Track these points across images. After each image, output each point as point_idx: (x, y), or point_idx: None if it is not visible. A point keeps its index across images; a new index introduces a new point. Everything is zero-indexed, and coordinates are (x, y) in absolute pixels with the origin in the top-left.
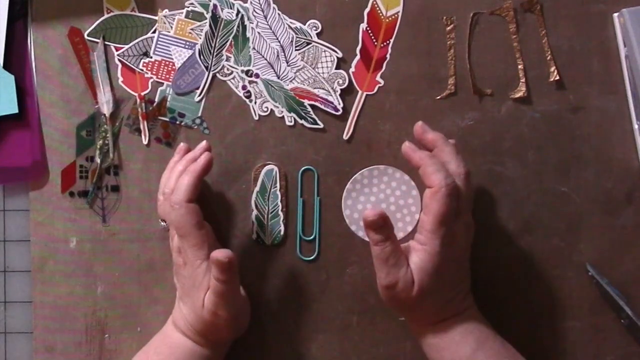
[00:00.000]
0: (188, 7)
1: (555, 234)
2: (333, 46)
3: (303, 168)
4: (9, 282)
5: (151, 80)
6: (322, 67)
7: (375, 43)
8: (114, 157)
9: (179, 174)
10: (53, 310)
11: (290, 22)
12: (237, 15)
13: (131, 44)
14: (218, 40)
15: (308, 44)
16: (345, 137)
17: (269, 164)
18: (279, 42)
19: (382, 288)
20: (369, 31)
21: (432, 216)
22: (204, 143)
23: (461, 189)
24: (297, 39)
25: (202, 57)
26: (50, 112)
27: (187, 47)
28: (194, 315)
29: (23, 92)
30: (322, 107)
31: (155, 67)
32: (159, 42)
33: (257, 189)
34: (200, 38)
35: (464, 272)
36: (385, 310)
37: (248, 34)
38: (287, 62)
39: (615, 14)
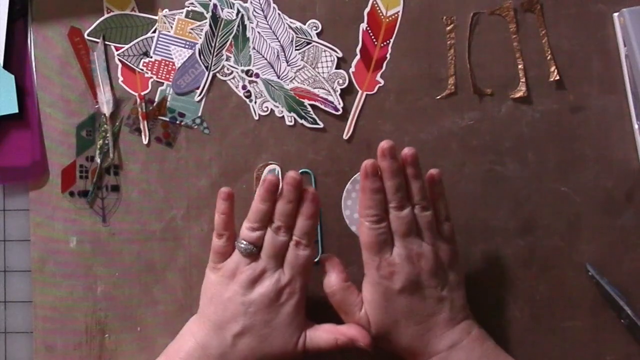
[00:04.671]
0: (188, 6)
1: (555, 234)
2: (333, 46)
3: (300, 170)
4: (9, 282)
5: (151, 80)
6: (322, 67)
7: (376, 43)
8: (114, 157)
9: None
10: (53, 310)
11: (290, 22)
12: (237, 15)
13: (131, 44)
14: (218, 40)
15: (308, 43)
16: (345, 137)
17: (271, 163)
18: (279, 42)
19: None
20: (369, 31)
21: (362, 246)
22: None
23: (405, 219)
24: (297, 38)
25: (202, 56)
26: (50, 112)
27: (187, 47)
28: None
29: (23, 92)
30: (322, 107)
31: (155, 67)
32: (159, 42)
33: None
34: (200, 38)
35: (434, 305)
36: None
37: (248, 34)
38: (287, 62)
39: (615, 14)
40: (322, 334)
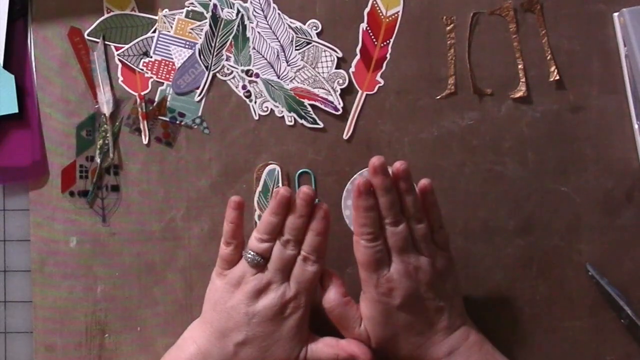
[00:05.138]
0: (188, 6)
1: (555, 234)
2: (333, 46)
3: (300, 171)
4: (9, 282)
5: (151, 80)
6: (322, 67)
7: (375, 43)
8: (114, 157)
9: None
10: (53, 310)
11: (290, 22)
12: (237, 15)
13: (131, 44)
14: (218, 40)
15: (308, 43)
16: (345, 137)
17: (271, 163)
18: (279, 41)
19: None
20: (369, 31)
21: (359, 265)
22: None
23: (400, 234)
24: (297, 38)
25: (202, 56)
26: (50, 112)
27: (187, 46)
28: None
29: (23, 92)
30: (322, 106)
31: (155, 67)
32: (159, 42)
33: (259, 188)
34: (200, 38)
35: (433, 315)
36: None
37: (248, 34)
38: (287, 62)
39: (615, 14)
40: (324, 348)
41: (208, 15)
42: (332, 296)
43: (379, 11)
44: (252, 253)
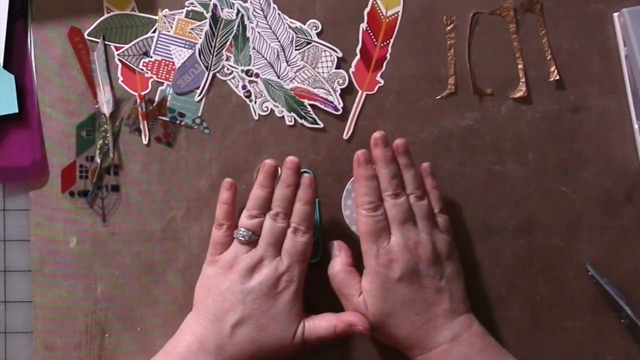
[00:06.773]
0: (188, 6)
1: (555, 234)
2: (333, 46)
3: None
4: (9, 282)
5: (151, 80)
6: (322, 67)
7: (375, 43)
8: (114, 157)
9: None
10: (53, 310)
11: (290, 22)
12: (237, 15)
13: (131, 44)
14: (218, 40)
15: (308, 43)
16: (345, 137)
17: None
18: (279, 41)
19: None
20: (369, 31)
21: (360, 237)
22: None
23: (401, 206)
24: (297, 38)
25: (202, 56)
26: (50, 112)
27: (187, 46)
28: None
29: (23, 92)
30: (322, 106)
31: (155, 67)
32: (159, 42)
33: None
34: (200, 38)
35: (433, 295)
36: None
37: (248, 34)
38: (287, 62)
39: (615, 14)
40: (321, 322)
41: (208, 15)
42: (337, 262)
43: (379, 11)
44: (243, 229)
